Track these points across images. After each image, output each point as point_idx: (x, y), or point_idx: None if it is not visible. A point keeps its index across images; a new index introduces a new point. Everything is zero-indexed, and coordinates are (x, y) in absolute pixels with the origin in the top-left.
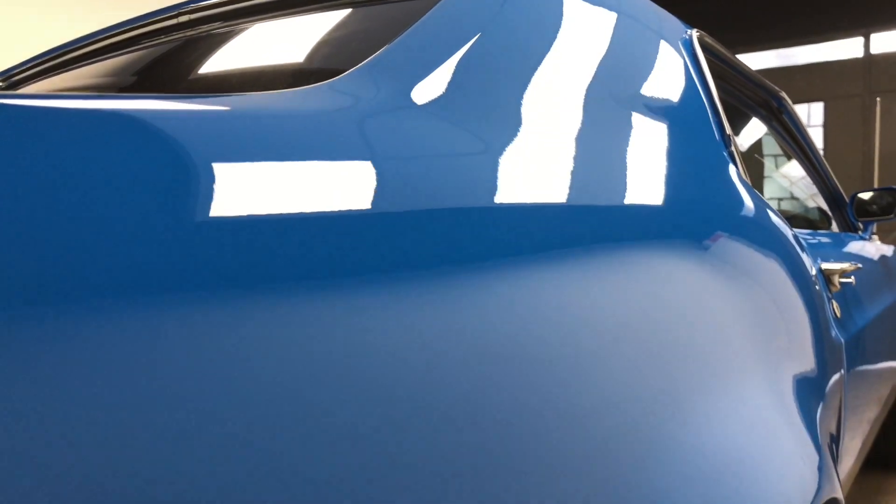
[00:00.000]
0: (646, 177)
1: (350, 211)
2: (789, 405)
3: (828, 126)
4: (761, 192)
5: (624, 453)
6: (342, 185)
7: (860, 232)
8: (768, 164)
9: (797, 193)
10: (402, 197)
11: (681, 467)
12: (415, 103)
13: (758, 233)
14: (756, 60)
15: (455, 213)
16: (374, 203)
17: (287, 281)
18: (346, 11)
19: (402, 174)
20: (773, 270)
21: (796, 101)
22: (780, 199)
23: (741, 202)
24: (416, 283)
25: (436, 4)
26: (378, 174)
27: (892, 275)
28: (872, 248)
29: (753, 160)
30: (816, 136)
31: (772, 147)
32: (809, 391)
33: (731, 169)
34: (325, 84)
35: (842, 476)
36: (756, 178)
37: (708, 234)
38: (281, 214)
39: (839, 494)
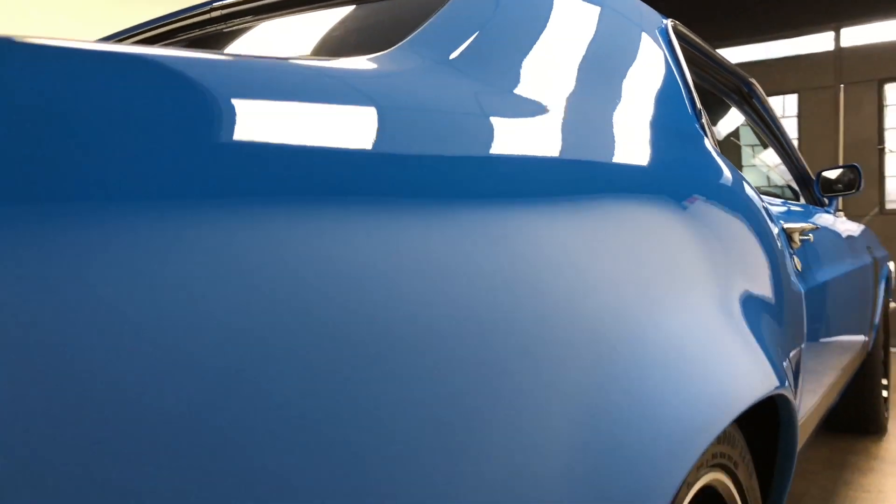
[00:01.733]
0: (628, 141)
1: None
2: (747, 322)
3: (802, 116)
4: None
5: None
6: (395, 123)
7: (826, 206)
8: (741, 144)
9: (767, 171)
10: (431, 129)
11: (655, 352)
12: (443, 65)
13: (725, 190)
14: (733, 55)
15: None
16: (413, 134)
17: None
18: (377, 5)
19: (432, 111)
20: (738, 220)
21: (772, 94)
22: (752, 176)
23: (710, 165)
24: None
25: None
26: (415, 112)
27: (854, 246)
28: (834, 219)
29: (727, 141)
30: (791, 126)
31: (744, 129)
32: (769, 316)
33: (702, 138)
34: (385, 53)
35: (802, 408)
36: (729, 157)
37: (681, 189)
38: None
39: (789, 395)
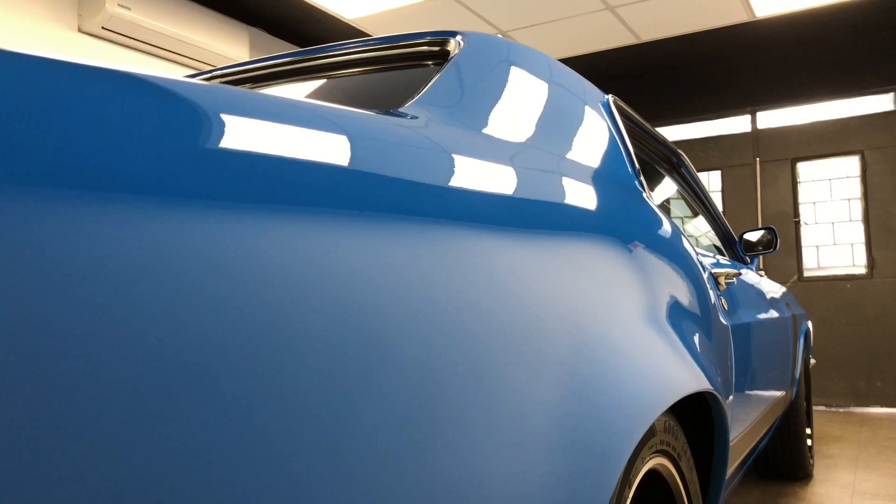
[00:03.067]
0: (582, 187)
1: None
2: (679, 337)
3: (725, 191)
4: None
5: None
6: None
7: (748, 264)
8: (671, 208)
9: (695, 232)
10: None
11: (600, 356)
12: (442, 117)
13: (660, 236)
14: (662, 133)
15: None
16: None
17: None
18: (383, 73)
19: (436, 152)
20: (672, 255)
21: (698, 170)
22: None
23: (649, 211)
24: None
25: (443, 69)
26: (423, 157)
27: (774, 300)
28: (756, 275)
29: (660, 204)
30: (716, 200)
31: (674, 195)
32: (700, 334)
33: (641, 192)
34: (400, 109)
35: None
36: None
37: (627, 228)
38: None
39: (719, 395)
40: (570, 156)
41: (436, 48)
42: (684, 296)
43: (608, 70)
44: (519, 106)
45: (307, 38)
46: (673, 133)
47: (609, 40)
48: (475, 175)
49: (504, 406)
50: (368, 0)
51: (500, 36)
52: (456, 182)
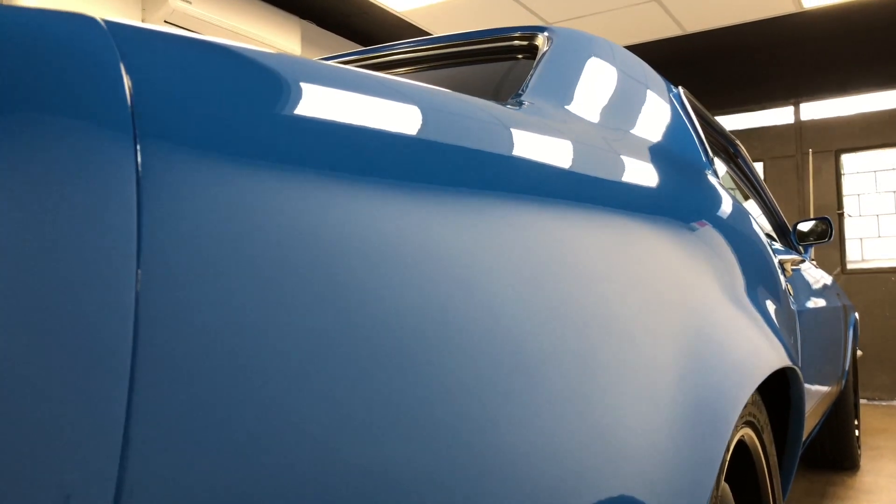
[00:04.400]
0: (669, 179)
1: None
2: (763, 318)
3: (767, 182)
4: None
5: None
6: (517, 143)
7: (802, 254)
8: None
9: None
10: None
11: (702, 338)
12: (545, 104)
13: (739, 222)
14: None
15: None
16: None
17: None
18: (473, 66)
19: (538, 135)
20: (749, 245)
21: None
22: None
23: (726, 199)
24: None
25: (540, 63)
26: (531, 139)
27: (827, 290)
28: (811, 265)
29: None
30: None
31: (732, 184)
32: (778, 316)
33: (716, 181)
34: (512, 99)
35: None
36: None
37: (709, 220)
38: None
39: (798, 370)
40: (652, 141)
41: (525, 42)
42: (763, 278)
43: (652, 61)
44: (609, 96)
45: (357, 31)
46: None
47: (654, 31)
48: (588, 160)
49: (627, 382)
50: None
51: (591, 34)
52: (574, 166)
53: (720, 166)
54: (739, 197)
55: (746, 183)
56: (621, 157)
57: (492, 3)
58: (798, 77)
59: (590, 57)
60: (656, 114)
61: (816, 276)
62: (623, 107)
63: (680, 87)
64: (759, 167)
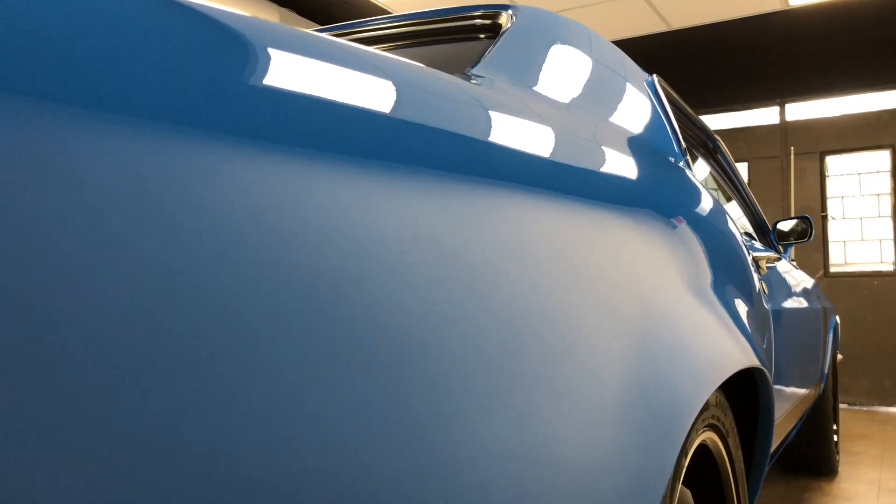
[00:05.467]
0: (627, 162)
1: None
2: (729, 314)
3: (751, 183)
4: None
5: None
6: (470, 114)
7: (782, 253)
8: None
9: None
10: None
11: (657, 333)
12: (501, 78)
13: (708, 214)
14: None
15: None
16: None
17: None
18: (437, 45)
19: (491, 106)
20: (719, 238)
21: None
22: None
23: (696, 189)
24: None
25: (500, 38)
26: (482, 109)
27: (807, 291)
28: (789, 265)
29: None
30: None
31: (710, 179)
32: (747, 313)
33: (688, 170)
34: (465, 72)
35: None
36: None
37: (673, 209)
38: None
39: (766, 370)
40: (618, 126)
41: (488, 21)
42: (733, 274)
43: (635, 57)
44: (571, 76)
45: (336, 20)
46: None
47: (639, 27)
48: (537, 138)
49: (571, 378)
50: None
51: (555, 13)
52: (518, 143)
53: (698, 160)
54: (718, 192)
55: (725, 179)
56: (576, 137)
57: None
58: (784, 76)
59: (553, 35)
60: (623, 97)
61: (795, 276)
62: (586, 87)
63: (654, 76)
64: (743, 168)
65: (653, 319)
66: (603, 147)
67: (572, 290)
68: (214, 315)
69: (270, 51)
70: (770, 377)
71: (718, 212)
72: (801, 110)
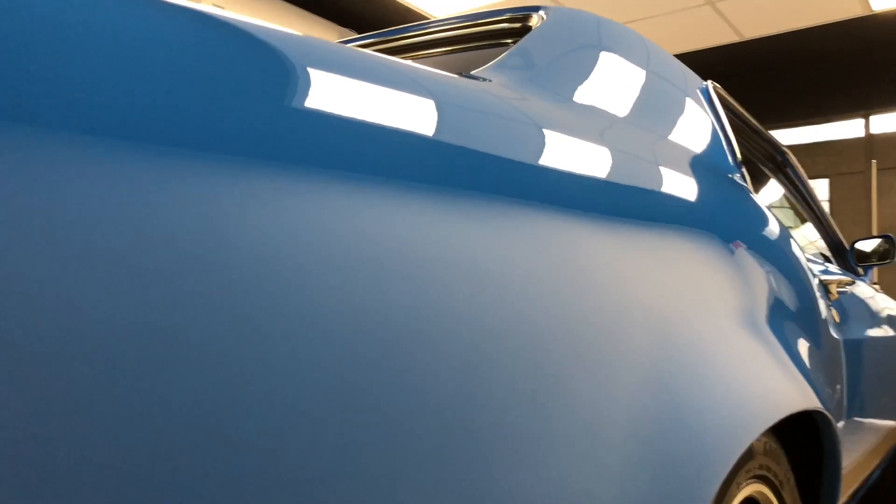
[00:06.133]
0: (669, 178)
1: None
2: (784, 348)
3: (833, 200)
4: None
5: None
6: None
7: (861, 276)
8: (774, 208)
9: (802, 238)
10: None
11: (693, 366)
12: (508, 80)
13: (765, 234)
14: None
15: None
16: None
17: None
18: (465, 51)
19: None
20: (777, 261)
21: None
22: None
23: (752, 210)
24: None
25: (522, 40)
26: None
27: (892, 318)
28: (870, 289)
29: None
30: None
31: (777, 196)
32: (807, 346)
33: (744, 186)
34: (473, 73)
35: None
36: None
37: (723, 230)
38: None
39: (829, 414)
40: (660, 138)
41: (518, 24)
42: (791, 302)
43: (707, 70)
44: (603, 81)
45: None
46: (776, 138)
47: (708, 38)
48: (545, 143)
49: (580, 418)
50: (461, 0)
51: (590, 12)
52: (519, 147)
53: (765, 175)
54: (786, 210)
55: (796, 195)
56: (599, 145)
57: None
58: (869, 87)
59: (585, 36)
60: (665, 104)
61: (877, 301)
62: (614, 91)
63: (710, 82)
64: (823, 184)
65: (678, 352)
66: (625, 154)
67: (574, 314)
68: (214, 322)
69: (251, 52)
70: (834, 421)
71: (777, 232)
72: (889, 122)
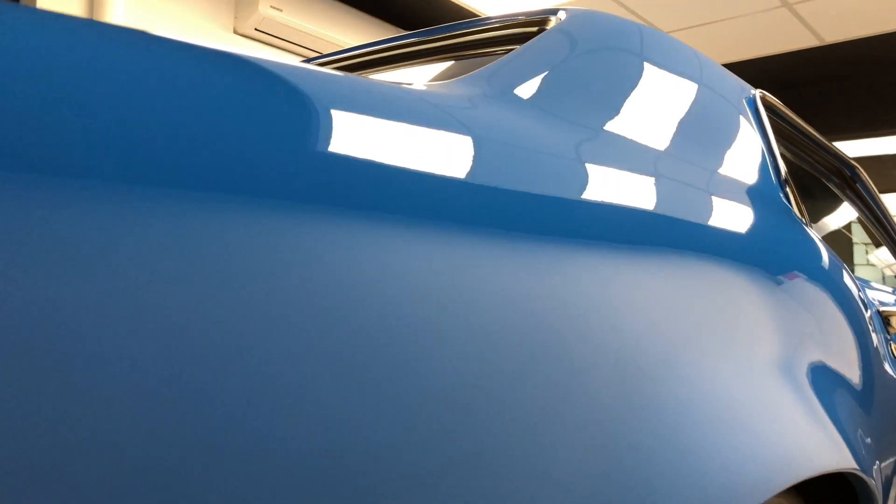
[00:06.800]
0: (685, 199)
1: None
2: (818, 396)
3: None
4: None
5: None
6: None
7: None
8: (840, 228)
9: (872, 260)
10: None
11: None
12: (485, 89)
13: (807, 262)
14: (843, 149)
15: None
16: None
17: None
18: (480, 57)
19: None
20: (820, 293)
21: (883, 192)
22: (852, 264)
23: (793, 235)
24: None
25: (521, 46)
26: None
27: None
28: None
29: (822, 223)
30: None
31: (842, 213)
32: (849, 395)
33: (786, 208)
34: (450, 82)
35: None
36: (826, 241)
37: (752, 258)
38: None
39: (867, 477)
40: (678, 154)
41: (534, 28)
42: (834, 339)
43: (782, 76)
44: (615, 91)
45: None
46: (856, 148)
47: (785, 42)
48: (516, 160)
49: (572, 465)
50: (518, 1)
51: (617, 16)
52: (481, 164)
53: (823, 194)
54: (853, 230)
55: (867, 213)
56: (585, 164)
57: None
58: None
59: (591, 40)
60: (691, 117)
61: None
62: (632, 104)
63: (758, 91)
64: None
65: (677, 397)
66: (624, 172)
67: (560, 354)
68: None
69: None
70: (874, 486)
71: (817, 257)
72: None
